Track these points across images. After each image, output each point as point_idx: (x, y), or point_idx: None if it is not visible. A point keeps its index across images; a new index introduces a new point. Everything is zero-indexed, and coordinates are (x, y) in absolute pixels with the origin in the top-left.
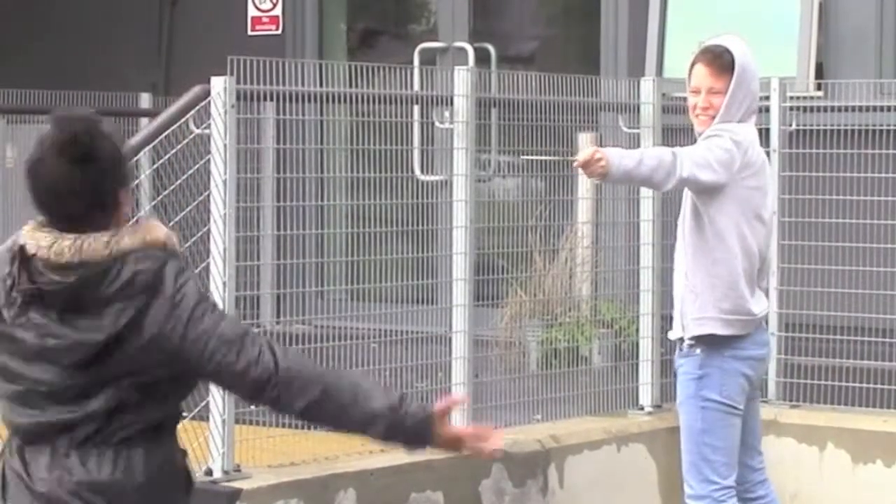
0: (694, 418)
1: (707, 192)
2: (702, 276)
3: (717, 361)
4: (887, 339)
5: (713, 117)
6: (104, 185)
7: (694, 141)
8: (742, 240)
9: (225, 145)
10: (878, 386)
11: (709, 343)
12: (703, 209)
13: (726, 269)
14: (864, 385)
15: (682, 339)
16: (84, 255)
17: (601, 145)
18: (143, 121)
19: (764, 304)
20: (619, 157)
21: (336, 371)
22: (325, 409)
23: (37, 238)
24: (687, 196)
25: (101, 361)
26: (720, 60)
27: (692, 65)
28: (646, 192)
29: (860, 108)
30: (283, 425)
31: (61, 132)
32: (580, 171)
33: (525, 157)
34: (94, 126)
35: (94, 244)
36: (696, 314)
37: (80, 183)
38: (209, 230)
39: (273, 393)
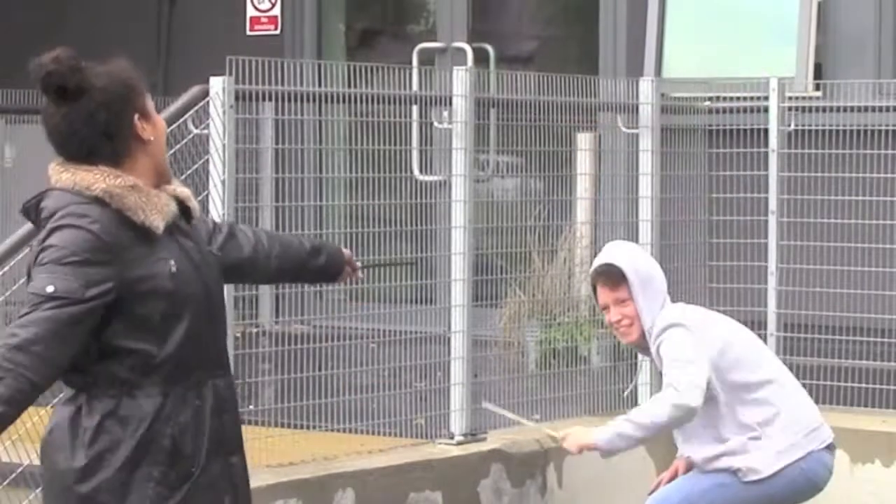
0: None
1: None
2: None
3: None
4: (886, 339)
5: (631, 324)
6: (99, 119)
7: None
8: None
9: (223, 145)
10: (877, 386)
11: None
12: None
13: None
14: (863, 385)
15: None
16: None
17: (600, 145)
18: None
19: None
20: (607, 434)
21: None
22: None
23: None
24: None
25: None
26: (611, 276)
27: (593, 287)
28: (644, 193)
29: (859, 109)
30: (282, 425)
31: (36, 77)
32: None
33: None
34: (66, 62)
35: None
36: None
37: (64, 121)
38: None
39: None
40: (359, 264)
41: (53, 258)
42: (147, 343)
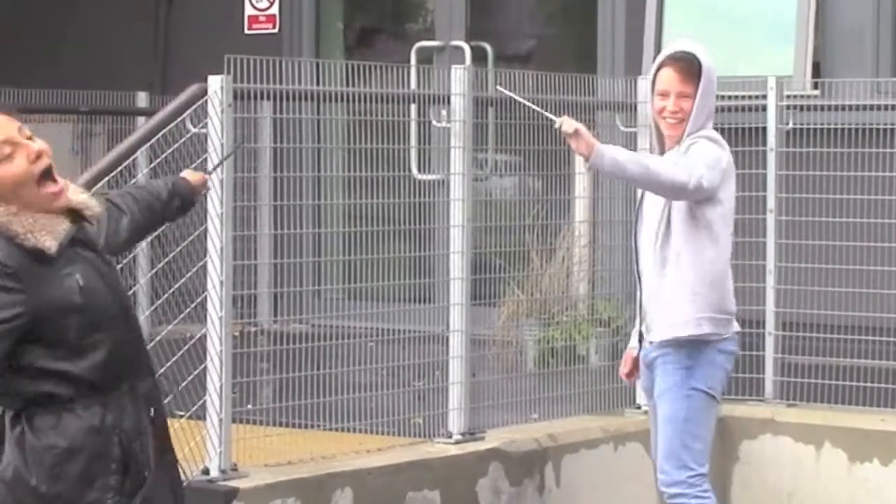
0: (678, 407)
1: (710, 196)
2: (700, 277)
3: (705, 354)
4: (885, 338)
5: (682, 120)
6: None
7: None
8: (726, 241)
9: (222, 144)
10: (876, 385)
11: (697, 335)
12: (701, 213)
13: (720, 270)
14: (862, 384)
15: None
16: None
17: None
18: (140, 120)
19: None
20: (612, 148)
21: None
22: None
23: None
24: (670, 204)
25: None
26: (689, 66)
27: (658, 68)
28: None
29: (857, 107)
30: (281, 424)
31: None
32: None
33: (501, 88)
34: None
35: None
36: (695, 314)
37: None
38: (206, 229)
39: None
40: (207, 175)
41: None
42: (70, 360)
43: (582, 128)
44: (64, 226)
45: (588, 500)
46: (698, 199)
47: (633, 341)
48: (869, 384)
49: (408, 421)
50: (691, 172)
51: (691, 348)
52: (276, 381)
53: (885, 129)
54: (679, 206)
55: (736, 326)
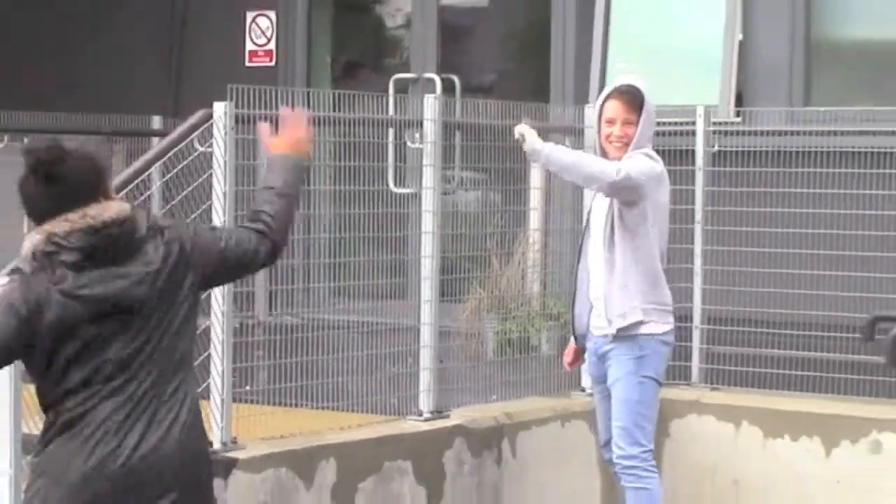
0: (633, 392)
1: (638, 198)
2: (641, 274)
3: (653, 346)
4: (794, 332)
5: (626, 144)
6: (69, 199)
7: None
8: (660, 243)
9: (225, 162)
10: (787, 371)
11: (644, 329)
12: (631, 217)
13: (656, 268)
14: (775, 370)
15: (615, 328)
16: None
17: None
18: (155, 140)
19: None
20: (553, 146)
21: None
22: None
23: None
24: (607, 206)
25: None
26: (633, 98)
27: (606, 99)
28: (588, 204)
29: (774, 133)
30: (275, 404)
31: (28, 158)
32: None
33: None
34: (54, 151)
35: None
36: (641, 304)
37: (48, 198)
38: None
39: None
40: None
41: None
42: None
43: (526, 131)
44: None
45: (539, 470)
46: (627, 194)
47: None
48: (782, 371)
49: (384, 401)
50: (620, 167)
51: (642, 341)
52: (270, 366)
53: (798, 152)
54: (620, 214)
55: (672, 320)
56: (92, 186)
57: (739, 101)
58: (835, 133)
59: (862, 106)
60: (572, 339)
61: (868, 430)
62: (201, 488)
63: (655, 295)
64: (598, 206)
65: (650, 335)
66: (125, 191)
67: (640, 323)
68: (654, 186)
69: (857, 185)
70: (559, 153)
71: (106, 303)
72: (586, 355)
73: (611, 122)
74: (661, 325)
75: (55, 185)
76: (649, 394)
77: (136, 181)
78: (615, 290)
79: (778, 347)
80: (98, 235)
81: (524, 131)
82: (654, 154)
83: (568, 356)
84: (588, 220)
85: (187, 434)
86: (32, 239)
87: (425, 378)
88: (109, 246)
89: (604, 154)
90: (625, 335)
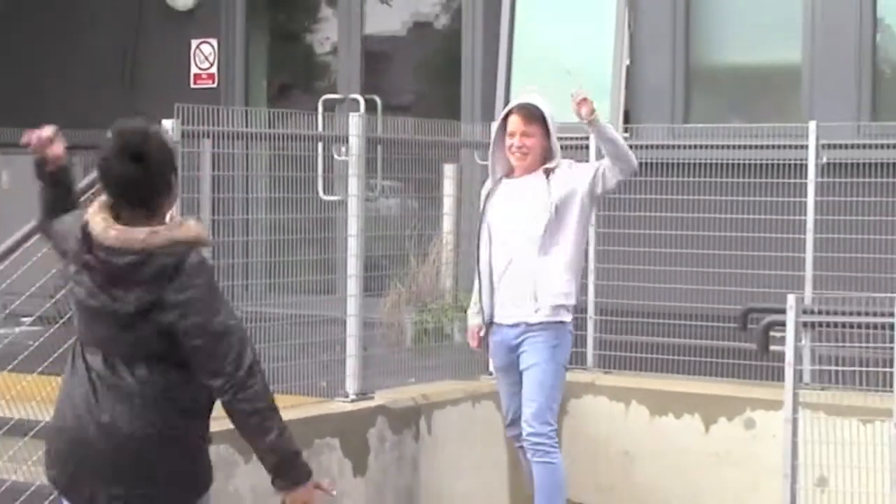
0: (547, 377)
1: (602, 194)
2: (576, 265)
3: (563, 335)
4: (677, 321)
5: (526, 154)
6: (153, 179)
7: None
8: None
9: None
10: (671, 357)
11: (561, 317)
12: (590, 212)
13: (581, 261)
14: (661, 356)
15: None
16: (124, 244)
17: (461, 176)
18: None
19: None
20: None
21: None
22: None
23: (95, 221)
24: (573, 201)
25: (134, 327)
26: (530, 112)
27: (507, 115)
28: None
29: (658, 147)
30: None
31: (118, 138)
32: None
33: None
34: (144, 132)
35: (132, 237)
36: (566, 290)
37: (135, 177)
38: None
39: (224, 397)
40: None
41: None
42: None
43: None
44: None
45: (452, 445)
46: (610, 187)
47: (477, 320)
48: (666, 356)
49: (315, 384)
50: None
51: (558, 330)
52: None
53: (678, 164)
54: (579, 206)
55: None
56: (173, 166)
57: (627, 118)
58: (711, 147)
59: (734, 123)
60: (475, 320)
61: (743, 408)
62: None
63: (576, 287)
64: (515, 203)
65: (564, 324)
66: (84, 196)
67: (562, 312)
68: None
69: (730, 193)
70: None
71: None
72: (491, 345)
73: (512, 134)
74: (570, 315)
75: (145, 164)
76: (560, 378)
77: (92, 189)
78: (553, 279)
79: (663, 335)
80: None
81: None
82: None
83: (473, 339)
84: (484, 216)
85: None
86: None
87: (351, 364)
88: None
89: (508, 165)
90: (546, 322)
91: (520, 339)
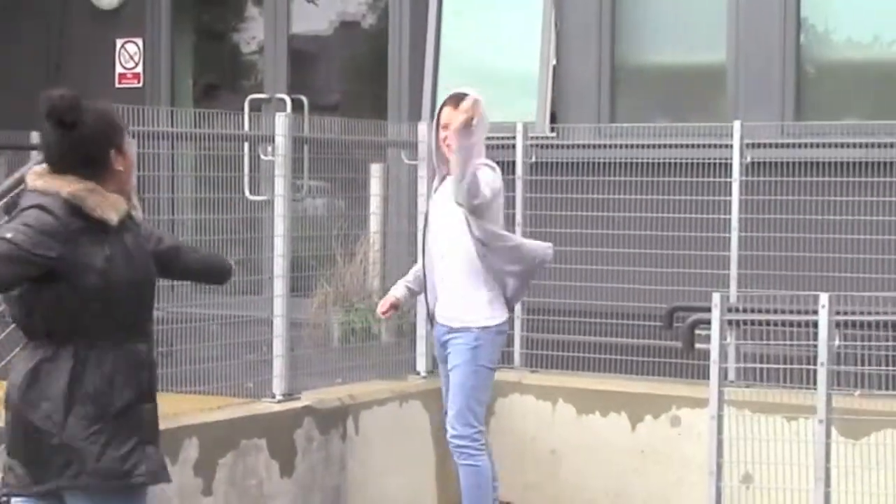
0: (467, 379)
1: (484, 207)
2: (482, 271)
3: (488, 336)
4: (603, 320)
5: None
6: (79, 148)
7: None
8: None
9: None
10: (597, 355)
11: (483, 322)
12: (479, 221)
13: (493, 265)
14: (587, 355)
15: (456, 319)
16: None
17: (388, 175)
18: (34, 153)
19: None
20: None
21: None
22: None
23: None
24: (457, 212)
25: None
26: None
27: (441, 108)
28: (421, 209)
29: (584, 146)
30: None
31: (44, 102)
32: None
33: None
34: (72, 99)
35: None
36: (482, 300)
37: (58, 143)
38: None
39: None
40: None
41: (20, 221)
42: (74, 305)
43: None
44: (123, 206)
45: (379, 445)
46: (476, 210)
47: (395, 292)
48: (592, 355)
49: (241, 385)
50: (481, 192)
51: (478, 332)
52: (165, 351)
53: (604, 163)
54: (468, 218)
55: (507, 312)
56: (108, 139)
57: (554, 118)
58: (637, 146)
59: (660, 123)
60: (396, 290)
61: (668, 406)
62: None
63: (496, 289)
64: (441, 206)
65: (486, 327)
66: (3, 201)
67: (480, 316)
68: (495, 196)
69: (656, 192)
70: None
71: None
72: (434, 338)
73: (445, 127)
74: (497, 318)
75: (70, 131)
76: (482, 380)
77: (18, 188)
78: (461, 285)
79: (589, 334)
80: None
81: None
82: (493, 164)
83: (384, 305)
84: (427, 218)
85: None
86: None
87: (278, 364)
88: None
89: (442, 157)
90: (464, 326)
91: (446, 339)
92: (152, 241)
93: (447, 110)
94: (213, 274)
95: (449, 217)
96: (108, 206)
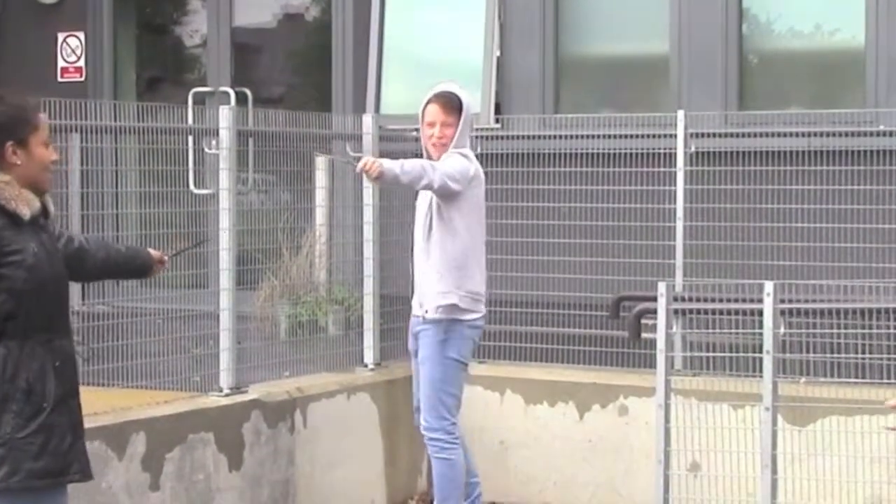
0: (436, 371)
1: (451, 197)
2: (445, 262)
3: (457, 330)
4: (550, 311)
5: (445, 145)
6: None
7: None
8: (466, 234)
9: None
10: (544, 346)
11: (450, 314)
12: (446, 210)
13: (461, 257)
14: (534, 345)
15: (426, 311)
16: None
17: (332, 168)
18: None
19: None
20: (389, 165)
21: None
22: None
23: None
24: (427, 202)
25: None
26: (449, 102)
27: (427, 104)
28: (367, 201)
29: (528, 137)
30: (88, 384)
31: None
32: (362, 173)
33: (329, 157)
34: None
35: None
36: (442, 289)
37: None
38: None
39: None
40: (166, 257)
41: None
42: (9, 304)
43: (376, 163)
44: (37, 203)
45: (328, 437)
46: (445, 195)
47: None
48: (539, 345)
49: (188, 379)
50: (434, 177)
51: (447, 325)
52: (84, 350)
53: (549, 154)
54: (436, 209)
55: (482, 308)
56: (6, 131)
57: (498, 109)
58: (581, 137)
59: (604, 113)
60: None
61: (616, 395)
62: None
63: (465, 284)
64: (421, 199)
65: (455, 320)
66: None
67: (448, 309)
68: (467, 184)
69: (601, 182)
70: (397, 168)
71: None
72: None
73: (431, 124)
74: (469, 313)
75: None
76: (451, 373)
77: None
78: (430, 277)
79: (536, 325)
80: None
81: (369, 163)
82: (470, 154)
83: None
84: (416, 210)
85: None
86: None
87: (225, 358)
88: None
89: (428, 155)
90: (433, 319)
91: (417, 330)
92: (62, 241)
93: (433, 107)
94: (128, 270)
95: (423, 208)
96: (22, 201)
